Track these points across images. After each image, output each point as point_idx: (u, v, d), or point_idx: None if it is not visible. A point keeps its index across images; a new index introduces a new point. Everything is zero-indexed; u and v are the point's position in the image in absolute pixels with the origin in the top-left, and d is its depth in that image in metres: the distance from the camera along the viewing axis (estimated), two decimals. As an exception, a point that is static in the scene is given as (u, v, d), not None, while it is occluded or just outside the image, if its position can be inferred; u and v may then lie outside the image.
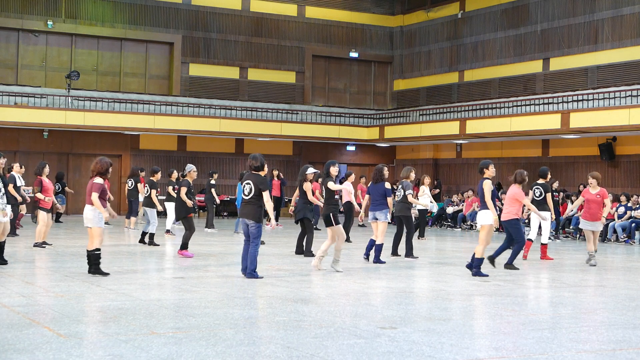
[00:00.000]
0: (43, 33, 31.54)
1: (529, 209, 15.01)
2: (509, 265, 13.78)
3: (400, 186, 15.79)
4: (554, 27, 30.09)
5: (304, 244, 15.55)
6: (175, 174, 20.48)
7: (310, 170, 15.33)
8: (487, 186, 12.66)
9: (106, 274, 11.47)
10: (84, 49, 32.36)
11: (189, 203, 15.19)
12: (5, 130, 29.02)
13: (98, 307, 8.80)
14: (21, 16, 31.01)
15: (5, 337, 6.98)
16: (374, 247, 14.43)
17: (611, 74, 28.07)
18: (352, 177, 20.19)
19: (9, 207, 12.57)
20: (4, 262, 12.53)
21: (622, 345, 7.37)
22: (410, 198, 15.50)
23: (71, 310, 8.60)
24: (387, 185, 14.23)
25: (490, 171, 12.93)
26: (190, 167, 15.71)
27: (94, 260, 11.53)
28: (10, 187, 15.99)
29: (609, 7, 28.22)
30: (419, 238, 20.98)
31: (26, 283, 10.73)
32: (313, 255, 15.28)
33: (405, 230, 15.73)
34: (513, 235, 13.67)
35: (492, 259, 13.44)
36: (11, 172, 17.45)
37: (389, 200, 14.10)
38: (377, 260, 14.29)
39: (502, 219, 13.93)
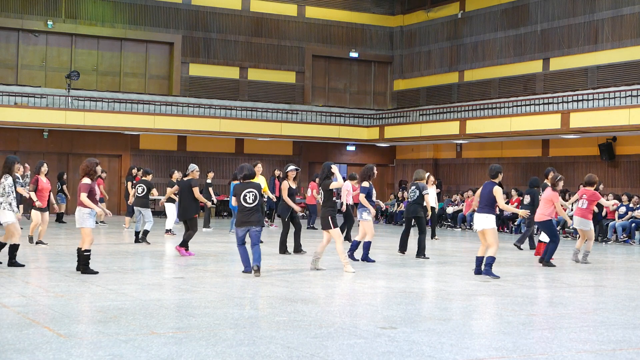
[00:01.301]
0: (43, 33, 31.53)
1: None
2: (547, 262, 14.52)
3: (413, 187, 15.81)
4: (554, 27, 30.09)
5: (280, 239, 15.79)
6: (176, 175, 20.44)
7: (291, 167, 15.44)
8: (499, 193, 12.69)
9: (95, 272, 11.64)
10: (84, 49, 32.35)
11: (204, 200, 15.39)
12: (5, 130, 29.02)
13: (98, 307, 8.80)
14: (21, 16, 31.00)
15: (5, 337, 6.98)
16: (359, 246, 14.63)
17: (611, 74, 28.06)
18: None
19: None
20: (19, 265, 12.53)
21: (622, 345, 7.37)
22: (427, 198, 15.78)
23: (71, 310, 8.60)
24: (365, 184, 14.40)
25: (500, 177, 13.02)
26: (193, 167, 15.70)
27: (83, 261, 11.75)
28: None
29: (609, 7, 28.22)
30: (432, 238, 21.12)
31: (26, 283, 10.73)
32: (286, 252, 15.44)
33: (418, 230, 15.84)
34: (548, 234, 14.58)
35: (547, 262, 14.52)
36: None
37: (361, 197, 14.28)
38: (365, 258, 14.37)
39: (536, 220, 14.89)
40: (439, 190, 30.43)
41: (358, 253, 14.74)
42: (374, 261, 14.41)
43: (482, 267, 12.69)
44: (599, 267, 14.85)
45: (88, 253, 11.73)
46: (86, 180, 11.76)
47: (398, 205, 29.30)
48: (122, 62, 32.94)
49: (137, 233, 17.55)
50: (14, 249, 12.46)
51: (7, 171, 12.62)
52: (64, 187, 25.35)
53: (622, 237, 21.85)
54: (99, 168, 11.97)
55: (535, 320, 8.71)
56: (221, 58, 33.97)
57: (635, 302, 10.34)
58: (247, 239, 12.35)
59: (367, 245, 14.44)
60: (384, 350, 6.82)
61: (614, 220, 22.32)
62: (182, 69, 33.27)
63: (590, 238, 15.18)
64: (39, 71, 31.72)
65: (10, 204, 12.43)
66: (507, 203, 25.50)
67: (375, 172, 14.74)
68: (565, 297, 10.66)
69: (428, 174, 22.14)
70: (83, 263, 11.72)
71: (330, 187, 12.69)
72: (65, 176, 25.76)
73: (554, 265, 14.50)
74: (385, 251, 16.77)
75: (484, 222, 12.68)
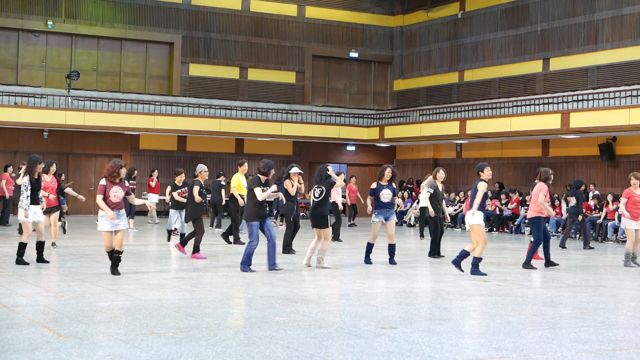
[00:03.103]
0: (43, 33, 31.53)
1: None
2: (527, 264, 14.10)
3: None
4: (554, 27, 30.08)
5: (284, 240, 15.84)
6: (182, 177, 20.32)
7: (295, 170, 15.43)
8: (482, 187, 12.87)
9: (118, 273, 11.67)
10: (84, 49, 32.35)
11: (198, 199, 15.24)
12: (5, 130, 29.02)
13: (98, 307, 8.79)
14: (21, 16, 31.00)
15: (5, 337, 6.98)
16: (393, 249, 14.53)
17: (611, 74, 28.06)
18: (342, 176, 20.52)
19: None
20: (44, 261, 12.87)
21: (622, 345, 7.37)
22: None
23: (71, 310, 8.60)
24: (373, 185, 14.41)
25: (486, 174, 13.12)
26: (202, 168, 15.47)
27: (113, 262, 11.81)
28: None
29: (609, 7, 28.22)
30: (420, 238, 21.42)
31: (26, 283, 10.73)
32: (292, 252, 15.55)
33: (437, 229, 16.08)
34: (532, 233, 14.20)
35: (527, 264, 14.05)
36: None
37: (369, 199, 14.32)
38: (365, 260, 14.31)
39: (527, 217, 14.60)
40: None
41: (397, 258, 14.71)
42: (370, 263, 14.38)
43: (470, 267, 12.91)
44: (599, 267, 14.84)
45: (109, 254, 11.76)
46: (102, 182, 11.66)
47: (398, 206, 29.32)
48: (122, 62, 32.94)
49: (182, 234, 17.32)
50: (21, 247, 12.75)
51: (28, 171, 12.87)
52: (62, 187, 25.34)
53: (621, 237, 21.85)
54: (123, 170, 11.77)
55: (535, 320, 8.71)
56: (221, 58, 33.97)
57: (635, 302, 10.34)
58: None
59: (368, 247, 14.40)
60: (384, 350, 6.82)
61: (614, 220, 22.33)
62: (182, 69, 33.27)
63: (629, 238, 14.88)
64: (39, 71, 31.71)
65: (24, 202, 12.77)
66: (506, 204, 25.68)
67: (388, 173, 14.46)
68: (565, 297, 10.66)
69: (429, 175, 22.27)
70: (113, 264, 11.78)
71: (335, 187, 13.00)
72: (62, 177, 25.71)
73: (535, 268, 14.00)
74: (385, 251, 16.75)
75: (469, 218, 12.98)
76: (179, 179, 17.61)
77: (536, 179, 15.91)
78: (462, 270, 12.80)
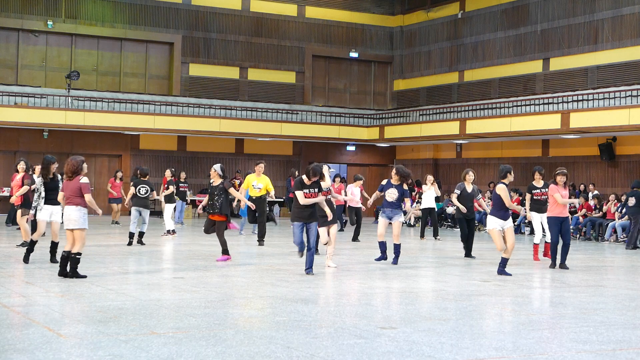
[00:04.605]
0: (43, 33, 31.53)
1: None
2: (561, 265, 14.08)
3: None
4: (554, 27, 30.09)
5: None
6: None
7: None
8: (502, 191, 12.71)
9: (84, 276, 11.16)
10: (84, 49, 32.36)
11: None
12: (5, 130, 29.02)
13: (98, 307, 8.79)
14: (21, 16, 31.01)
15: (5, 337, 6.98)
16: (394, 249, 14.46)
17: (611, 74, 28.07)
18: (360, 182, 20.44)
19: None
20: (56, 262, 12.82)
21: (622, 345, 7.37)
22: (453, 198, 15.89)
23: (71, 310, 8.60)
24: (383, 181, 14.40)
25: (511, 177, 12.95)
26: (214, 168, 14.90)
27: (73, 264, 11.15)
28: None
29: (609, 7, 28.22)
30: (420, 238, 21.49)
31: (26, 283, 10.72)
32: (317, 253, 15.68)
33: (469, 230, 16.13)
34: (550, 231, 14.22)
35: (561, 265, 14.03)
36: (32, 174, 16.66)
37: (375, 194, 14.33)
38: (394, 260, 14.28)
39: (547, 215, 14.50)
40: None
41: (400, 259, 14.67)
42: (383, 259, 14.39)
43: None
44: (598, 267, 14.84)
45: (80, 256, 11.25)
46: (85, 180, 11.43)
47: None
48: (122, 62, 32.94)
49: (132, 234, 17.25)
50: (32, 244, 12.94)
51: (43, 172, 12.87)
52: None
53: (621, 236, 21.85)
54: (85, 166, 11.57)
55: (535, 320, 8.71)
56: (221, 58, 33.98)
57: (635, 302, 10.34)
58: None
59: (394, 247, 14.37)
60: (384, 350, 6.82)
61: (614, 220, 22.33)
62: (182, 69, 33.27)
63: None
64: (39, 71, 31.72)
65: (38, 203, 12.93)
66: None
67: (394, 173, 14.43)
68: (565, 297, 10.65)
69: (428, 175, 22.34)
70: (74, 267, 11.17)
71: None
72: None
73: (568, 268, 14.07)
74: (389, 251, 16.75)
75: (487, 223, 12.96)
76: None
77: (544, 179, 15.83)
78: (510, 274, 12.74)
